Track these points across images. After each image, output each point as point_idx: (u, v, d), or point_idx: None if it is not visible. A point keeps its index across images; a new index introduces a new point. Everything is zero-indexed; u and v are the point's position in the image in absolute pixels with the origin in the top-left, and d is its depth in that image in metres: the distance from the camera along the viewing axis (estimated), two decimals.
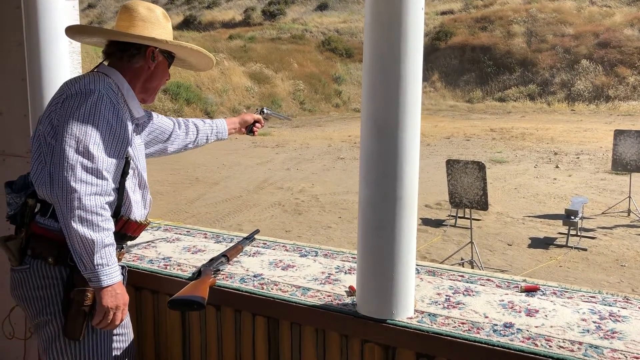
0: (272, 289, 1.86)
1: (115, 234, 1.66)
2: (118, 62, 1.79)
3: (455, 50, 28.63)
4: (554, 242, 7.28)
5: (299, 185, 10.60)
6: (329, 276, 1.97)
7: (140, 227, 1.82)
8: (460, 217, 8.14)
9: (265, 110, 2.40)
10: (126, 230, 1.76)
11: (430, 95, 26.15)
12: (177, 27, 32.67)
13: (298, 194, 10.01)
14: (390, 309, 1.69)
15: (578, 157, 13.14)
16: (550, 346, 1.46)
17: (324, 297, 1.81)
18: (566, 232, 7.26)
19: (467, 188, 6.12)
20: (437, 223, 8.20)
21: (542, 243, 7.28)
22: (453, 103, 25.95)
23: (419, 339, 1.60)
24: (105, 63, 1.81)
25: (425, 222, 8.14)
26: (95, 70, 1.78)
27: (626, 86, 23.70)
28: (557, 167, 12.17)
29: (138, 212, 1.79)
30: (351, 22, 32.23)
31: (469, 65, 27.85)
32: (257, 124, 2.34)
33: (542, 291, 1.81)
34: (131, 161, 1.73)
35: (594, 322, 1.59)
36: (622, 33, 25.42)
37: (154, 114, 2.04)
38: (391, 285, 1.68)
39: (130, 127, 1.73)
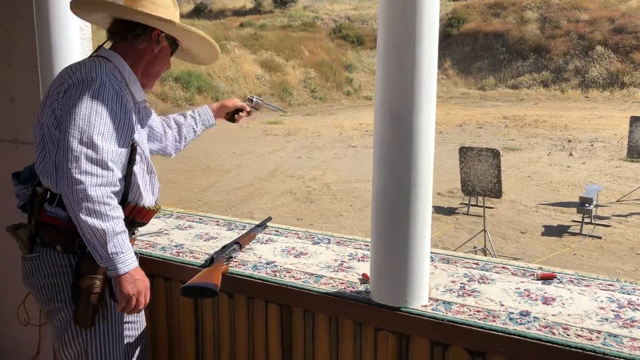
0: (284, 276, 1.85)
1: (125, 220, 1.64)
2: (121, 43, 1.74)
3: (468, 37, 28.34)
4: (568, 230, 7.22)
5: (311, 174, 10.58)
6: (342, 264, 1.95)
7: (149, 213, 1.80)
8: (472, 205, 8.09)
9: (254, 99, 2.26)
10: (135, 216, 1.75)
11: (443, 82, 25.93)
12: (188, 16, 32.63)
13: (309, 182, 10.00)
14: (405, 297, 1.67)
15: (592, 145, 12.99)
16: (568, 335, 1.44)
17: (337, 285, 1.79)
18: (580, 220, 7.19)
19: (481, 176, 6.07)
20: (450, 211, 8.16)
21: (555, 231, 7.23)
22: (465, 90, 25.74)
23: (433, 327, 1.58)
24: (106, 46, 1.77)
25: (438, 210, 8.10)
26: (95, 54, 1.74)
27: None
28: (570, 154, 12.05)
29: (147, 199, 1.78)
30: (362, 9, 31.98)
31: (481, 52, 27.57)
32: (240, 112, 2.23)
33: (559, 279, 1.78)
34: (137, 147, 1.71)
35: (612, 311, 1.56)
36: (639, 18, 24.99)
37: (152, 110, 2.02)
38: (405, 272, 1.65)
39: (134, 114, 1.70)
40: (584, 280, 1.77)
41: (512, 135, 14.73)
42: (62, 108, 1.59)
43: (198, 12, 34.36)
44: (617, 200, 8.49)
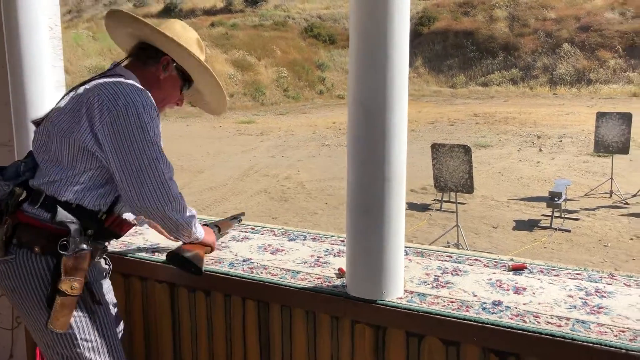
0: (261, 272, 1.86)
1: (102, 230, 1.68)
2: (135, 63, 1.79)
3: (439, 35, 28.65)
4: (538, 224, 7.37)
5: (285, 173, 10.58)
6: (318, 259, 1.97)
7: (128, 226, 1.81)
8: (445, 201, 8.20)
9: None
10: (114, 227, 1.75)
11: (414, 80, 26.16)
12: (158, 15, 32.23)
13: (284, 181, 10.00)
14: (380, 290, 1.69)
15: (561, 140, 13.27)
16: (538, 322, 1.48)
17: (314, 280, 1.81)
18: (550, 214, 7.35)
19: (453, 172, 6.16)
20: (423, 207, 8.26)
21: (526, 225, 7.37)
22: (437, 88, 26.02)
23: (409, 318, 1.61)
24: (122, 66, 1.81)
25: (411, 206, 8.19)
26: (112, 72, 1.75)
27: (607, 69, 23.93)
28: (540, 150, 12.29)
29: (130, 214, 1.78)
30: (334, 8, 32.04)
31: (452, 50, 27.90)
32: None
33: (529, 270, 1.82)
34: None
35: (581, 298, 1.61)
36: (603, 16, 25.61)
37: None
38: (380, 266, 1.68)
39: None
40: (553, 270, 1.82)
41: (483, 132, 14.95)
42: (118, 134, 1.61)
43: (168, 12, 33.96)
44: (585, 195, 8.69)
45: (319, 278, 1.82)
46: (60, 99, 1.76)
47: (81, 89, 1.70)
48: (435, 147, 6.34)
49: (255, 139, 14.78)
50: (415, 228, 7.25)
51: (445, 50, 27.97)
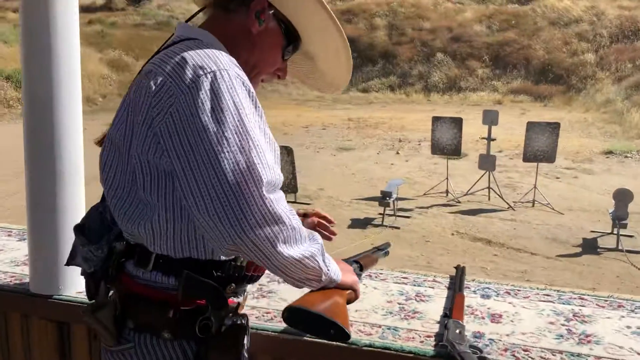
0: None
1: (248, 278, 1.17)
2: (212, 16, 1.20)
3: None
4: (372, 222, 7.68)
5: None
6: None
7: None
8: (291, 202, 8.33)
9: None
10: (259, 269, 1.19)
11: (298, 85, 26.51)
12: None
13: None
14: (57, 285, 1.70)
15: (419, 144, 13.95)
16: (531, 358, 1.38)
17: (6, 279, 1.80)
18: (383, 212, 7.69)
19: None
20: None
21: (361, 223, 7.66)
22: (320, 94, 26.50)
23: None
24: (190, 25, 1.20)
25: None
26: (179, 37, 1.15)
27: (475, 78, 25.53)
28: (397, 153, 12.86)
29: None
30: None
31: None
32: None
33: (495, 291, 1.71)
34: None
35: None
36: (472, 28, 27.33)
37: None
38: (56, 260, 1.68)
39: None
40: (520, 291, 1.73)
41: (351, 136, 15.41)
42: (176, 126, 1.01)
43: None
44: (424, 194, 9.19)
45: (13, 277, 1.80)
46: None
47: (135, 81, 1.12)
48: None
49: None
50: None
51: None
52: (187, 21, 1.20)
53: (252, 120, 1.03)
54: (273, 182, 1.02)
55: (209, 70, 1.01)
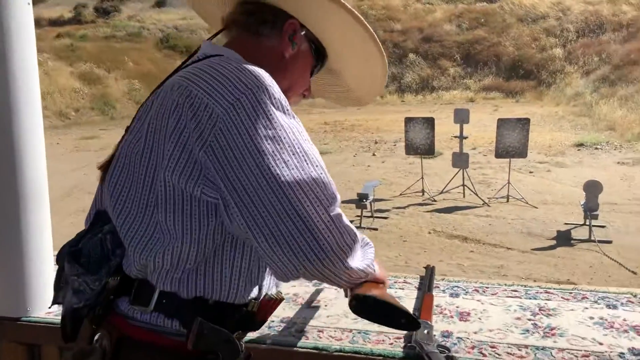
0: None
1: (255, 323, 1.06)
2: (238, 35, 1.11)
3: None
4: None
5: None
6: None
7: (274, 304, 1.10)
8: None
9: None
10: (267, 314, 1.09)
11: None
12: None
13: None
14: (25, 306, 1.68)
15: (395, 145, 14.05)
16: (498, 355, 1.38)
17: None
18: (361, 214, 7.73)
19: None
20: None
21: None
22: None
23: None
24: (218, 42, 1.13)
25: None
26: (203, 53, 1.07)
27: (448, 77, 25.86)
28: (374, 154, 12.93)
29: (271, 281, 1.11)
30: (190, 19, 31.59)
31: None
32: None
33: (464, 289, 1.74)
34: None
35: (529, 320, 1.54)
36: (443, 28, 27.68)
37: None
38: (23, 281, 1.66)
39: None
40: (488, 288, 1.74)
41: (327, 139, 15.46)
42: (223, 149, 0.91)
43: None
44: (401, 194, 9.26)
45: None
46: (132, 121, 1.06)
47: (157, 95, 1.02)
48: None
49: (94, 154, 14.10)
50: None
51: None
52: (209, 39, 1.13)
53: (305, 137, 0.97)
54: (337, 198, 0.96)
55: (254, 86, 0.93)
